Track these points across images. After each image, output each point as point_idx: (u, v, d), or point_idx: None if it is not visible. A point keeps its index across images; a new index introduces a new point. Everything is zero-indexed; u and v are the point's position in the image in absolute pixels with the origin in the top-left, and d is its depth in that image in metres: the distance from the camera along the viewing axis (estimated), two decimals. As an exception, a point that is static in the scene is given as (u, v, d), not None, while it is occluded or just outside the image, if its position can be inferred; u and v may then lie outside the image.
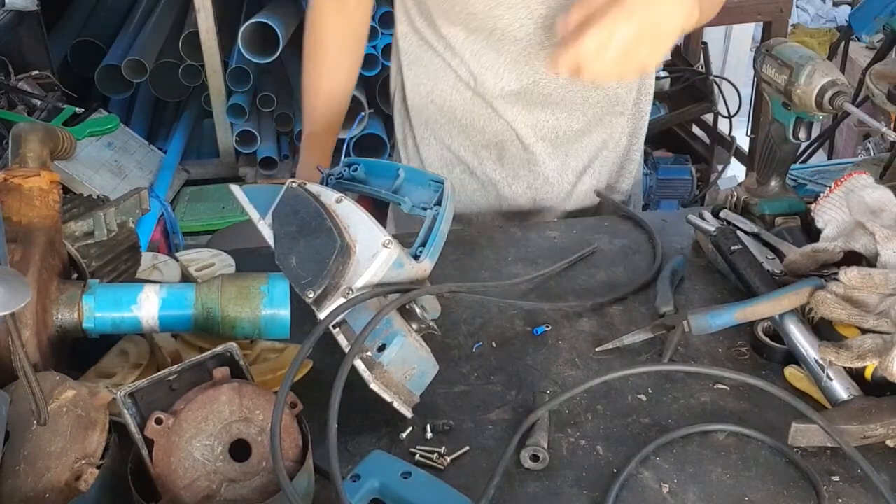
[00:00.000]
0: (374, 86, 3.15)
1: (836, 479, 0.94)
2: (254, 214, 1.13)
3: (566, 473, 0.96)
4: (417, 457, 0.98)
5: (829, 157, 3.31)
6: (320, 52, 1.48)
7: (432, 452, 0.98)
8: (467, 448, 0.99)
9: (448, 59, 1.45)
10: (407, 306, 1.02)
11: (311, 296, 0.97)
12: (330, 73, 1.50)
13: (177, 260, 1.29)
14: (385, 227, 1.06)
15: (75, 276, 1.05)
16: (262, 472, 0.83)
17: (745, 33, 4.49)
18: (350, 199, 1.08)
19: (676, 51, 3.60)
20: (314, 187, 1.12)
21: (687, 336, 1.13)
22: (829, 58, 3.23)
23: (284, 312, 1.00)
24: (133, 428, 0.83)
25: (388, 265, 1.00)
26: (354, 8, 1.49)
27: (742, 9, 3.17)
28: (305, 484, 0.85)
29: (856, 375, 1.02)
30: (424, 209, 1.17)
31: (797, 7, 5.54)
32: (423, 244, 1.07)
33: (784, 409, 0.99)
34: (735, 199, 1.33)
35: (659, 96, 3.25)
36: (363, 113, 3.08)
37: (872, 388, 1.01)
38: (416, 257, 1.05)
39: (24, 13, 2.85)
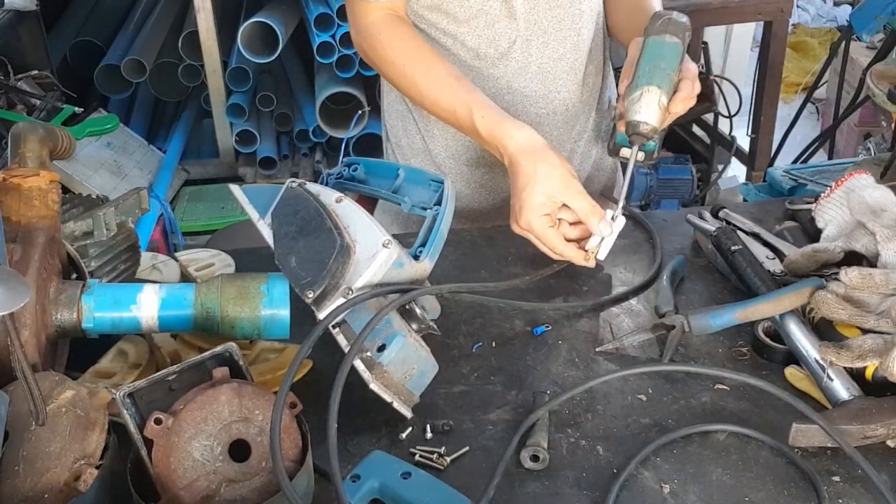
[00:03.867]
0: (374, 85, 3.15)
1: (836, 479, 0.94)
2: (253, 214, 1.13)
3: (566, 473, 0.96)
4: (417, 457, 0.98)
5: (830, 157, 3.31)
6: (422, 53, 1.40)
7: (432, 452, 0.98)
8: (467, 448, 0.99)
9: (449, 44, 1.46)
10: (407, 306, 1.02)
11: (311, 296, 0.97)
12: (442, 60, 1.42)
13: (176, 260, 1.29)
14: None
15: (74, 275, 1.05)
16: (262, 472, 0.83)
17: (746, 33, 4.48)
18: (350, 199, 1.08)
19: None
20: (314, 187, 1.12)
21: (687, 336, 1.13)
22: (830, 58, 3.23)
23: (284, 312, 1.00)
24: (132, 428, 0.83)
25: (388, 265, 1.00)
26: (402, 11, 1.48)
27: (742, 9, 3.17)
28: (305, 484, 0.85)
29: (856, 375, 1.02)
30: (424, 209, 1.16)
31: (798, 7, 5.53)
32: (423, 244, 1.07)
33: (784, 410, 0.99)
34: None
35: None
36: (361, 111, 3.08)
37: (873, 388, 1.01)
38: (416, 257, 1.05)
39: (23, 13, 2.85)
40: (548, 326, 1.19)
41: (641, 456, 0.97)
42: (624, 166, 1.35)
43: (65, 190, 1.08)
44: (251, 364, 1.06)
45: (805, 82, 4.76)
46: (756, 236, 1.28)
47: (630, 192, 1.29)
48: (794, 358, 1.07)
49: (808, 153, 3.06)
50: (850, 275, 1.05)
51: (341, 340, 0.98)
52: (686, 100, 1.25)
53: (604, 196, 1.61)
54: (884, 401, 0.98)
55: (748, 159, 3.45)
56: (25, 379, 0.78)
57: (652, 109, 1.21)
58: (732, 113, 3.27)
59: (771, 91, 3.26)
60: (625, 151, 1.44)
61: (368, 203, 1.32)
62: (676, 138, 3.67)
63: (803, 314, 1.09)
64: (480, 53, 1.45)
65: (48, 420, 0.79)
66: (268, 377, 1.04)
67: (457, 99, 1.35)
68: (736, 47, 4.55)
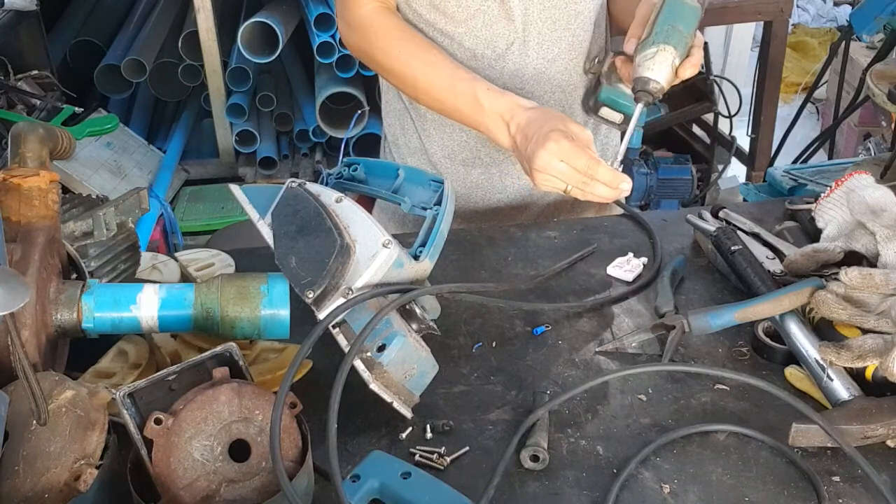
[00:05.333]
0: (374, 85, 3.15)
1: (836, 479, 0.94)
2: (253, 214, 1.13)
3: (566, 473, 0.96)
4: (417, 457, 0.98)
5: (830, 157, 3.31)
6: (416, 39, 1.42)
7: (432, 452, 0.98)
8: (467, 448, 0.99)
9: (446, 45, 1.46)
10: (407, 306, 1.02)
11: (311, 296, 0.97)
12: (436, 46, 1.44)
13: (176, 260, 1.29)
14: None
15: (74, 275, 1.05)
16: (262, 472, 0.83)
17: (746, 33, 4.49)
18: (350, 199, 1.08)
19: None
20: (314, 187, 1.12)
21: (687, 336, 1.13)
22: (830, 58, 3.23)
23: (284, 312, 1.00)
24: (132, 428, 0.83)
25: (388, 265, 1.00)
26: (392, 4, 1.49)
27: (742, 9, 3.17)
28: (305, 484, 0.85)
29: (856, 375, 1.02)
30: (424, 209, 1.16)
31: (798, 7, 5.54)
32: (423, 244, 1.07)
33: (784, 410, 0.99)
34: None
35: (659, 96, 3.22)
36: (360, 111, 3.09)
37: (873, 388, 1.01)
38: (416, 257, 1.05)
39: (23, 13, 2.85)
40: (548, 326, 1.19)
41: (641, 456, 0.97)
42: (626, 164, 1.33)
43: (65, 190, 1.08)
44: (251, 364, 1.06)
45: (805, 82, 4.76)
46: (756, 236, 1.28)
47: (627, 148, 1.27)
48: (794, 358, 1.07)
49: (808, 153, 3.06)
50: (850, 275, 1.05)
51: (341, 340, 0.98)
52: (695, 66, 1.26)
53: None
54: (884, 401, 0.98)
55: (748, 159, 3.45)
56: (27, 378, 0.78)
57: (665, 69, 1.21)
58: (732, 113, 3.27)
59: (771, 91, 3.26)
60: (605, 112, 1.44)
61: (367, 203, 1.32)
62: (676, 138, 3.67)
63: (803, 314, 1.09)
64: (478, 54, 1.45)
65: (48, 420, 0.79)
66: (268, 377, 1.04)
67: (457, 77, 1.36)
68: (736, 47, 4.56)
